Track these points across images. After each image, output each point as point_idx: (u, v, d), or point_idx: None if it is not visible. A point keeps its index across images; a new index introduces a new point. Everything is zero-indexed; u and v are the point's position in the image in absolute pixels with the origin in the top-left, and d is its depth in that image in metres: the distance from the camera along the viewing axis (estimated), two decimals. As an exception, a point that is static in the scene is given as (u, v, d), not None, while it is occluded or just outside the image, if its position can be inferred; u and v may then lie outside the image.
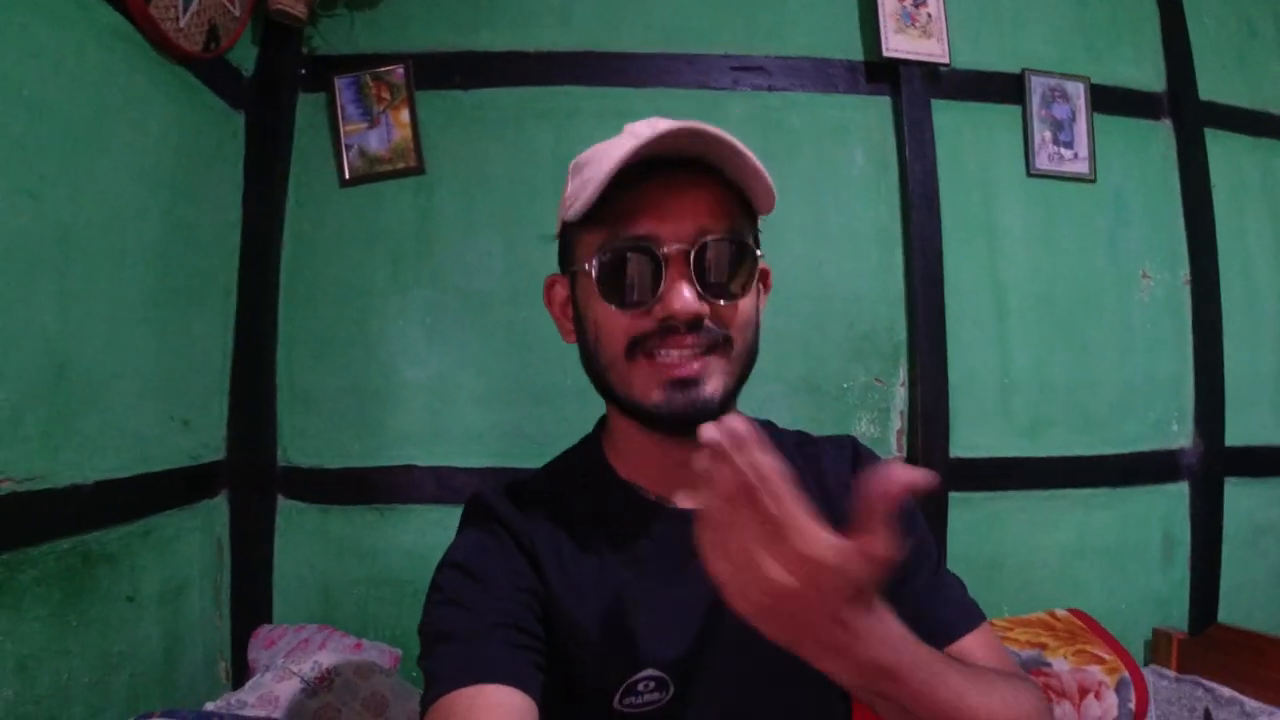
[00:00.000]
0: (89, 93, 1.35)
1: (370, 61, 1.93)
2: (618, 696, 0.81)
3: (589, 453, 0.95)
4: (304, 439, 1.88)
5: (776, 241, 1.92)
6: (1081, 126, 2.02)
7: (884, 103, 2.01)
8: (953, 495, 1.92)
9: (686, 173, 0.79)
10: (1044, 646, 1.71)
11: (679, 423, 0.79)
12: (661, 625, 0.84)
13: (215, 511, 1.77)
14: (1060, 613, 1.84)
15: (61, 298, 1.30)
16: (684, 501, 0.89)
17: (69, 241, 1.31)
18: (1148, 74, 2.11)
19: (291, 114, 1.92)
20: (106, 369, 1.42)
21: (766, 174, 0.79)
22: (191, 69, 1.64)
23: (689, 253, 0.77)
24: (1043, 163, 2.01)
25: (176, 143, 1.61)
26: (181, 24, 1.53)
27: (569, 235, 0.88)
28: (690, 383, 0.78)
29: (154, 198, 1.55)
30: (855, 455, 1.02)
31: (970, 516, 1.93)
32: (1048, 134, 2.01)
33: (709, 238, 0.78)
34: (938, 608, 0.93)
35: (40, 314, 1.25)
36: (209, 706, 1.42)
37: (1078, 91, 2.02)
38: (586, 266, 0.81)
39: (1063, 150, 2.01)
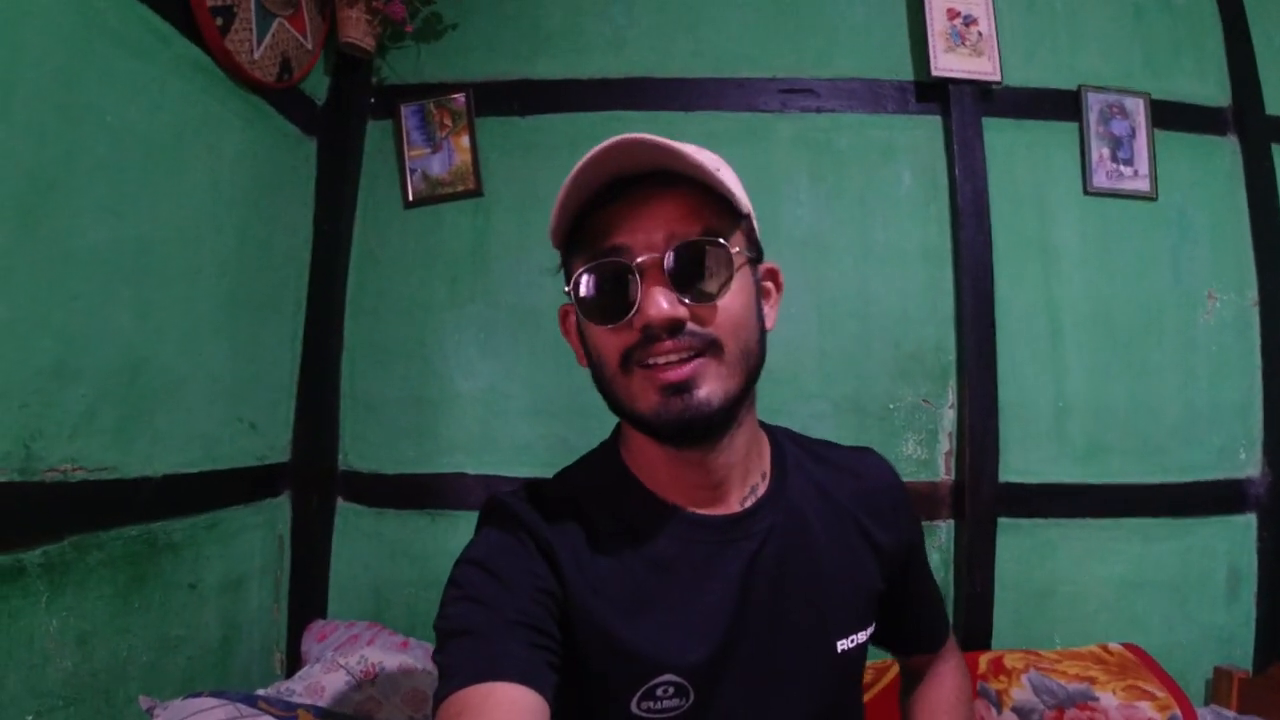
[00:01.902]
0: (168, 119, 1.48)
1: (434, 90, 2.04)
2: (635, 701, 0.83)
3: (608, 459, 0.96)
4: (363, 445, 1.98)
5: (824, 260, 1.97)
6: (1141, 143, 1.97)
7: (934, 122, 2.01)
8: (1002, 520, 1.87)
9: (657, 183, 0.79)
10: (1093, 680, 1.65)
11: (676, 429, 0.80)
12: (682, 631, 0.85)
13: (278, 510, 1.89)
14: (1114, 646, 1.76)
15: (139, 305, 1.41)
16: (704, 509, 0.89)
17: (148, 254, 1.43)
18: (1211, 88, 2.04)
19: (360, 139, 2.05)
20: (180, 372, 1.53)
21: (715, 174, 0.79)
22: (266, 97, 1.77)
23: (661, 259, 0.78)
24: (1100, 180, 1.96)
25: (251, 166, 1.74)
26: (256, 56, 1.66)
27: (564, 263, 0.89)
28: (681, 387, 0.78)
29: (229, 216, 1.68)
30: (890, 467, 1.08)
31: (1020, 543, 1.88)
32: (1106, 151, 1.96)
33: (680, 241, 0.78)
34: (935, 618, 1.13)
35: (119, 319, 1.37)
36: (260, 693, 1.51)
37: (1137, 107, 1.97)
38: (567, 290, 0.84)
39: (1122, 167, 1.96)
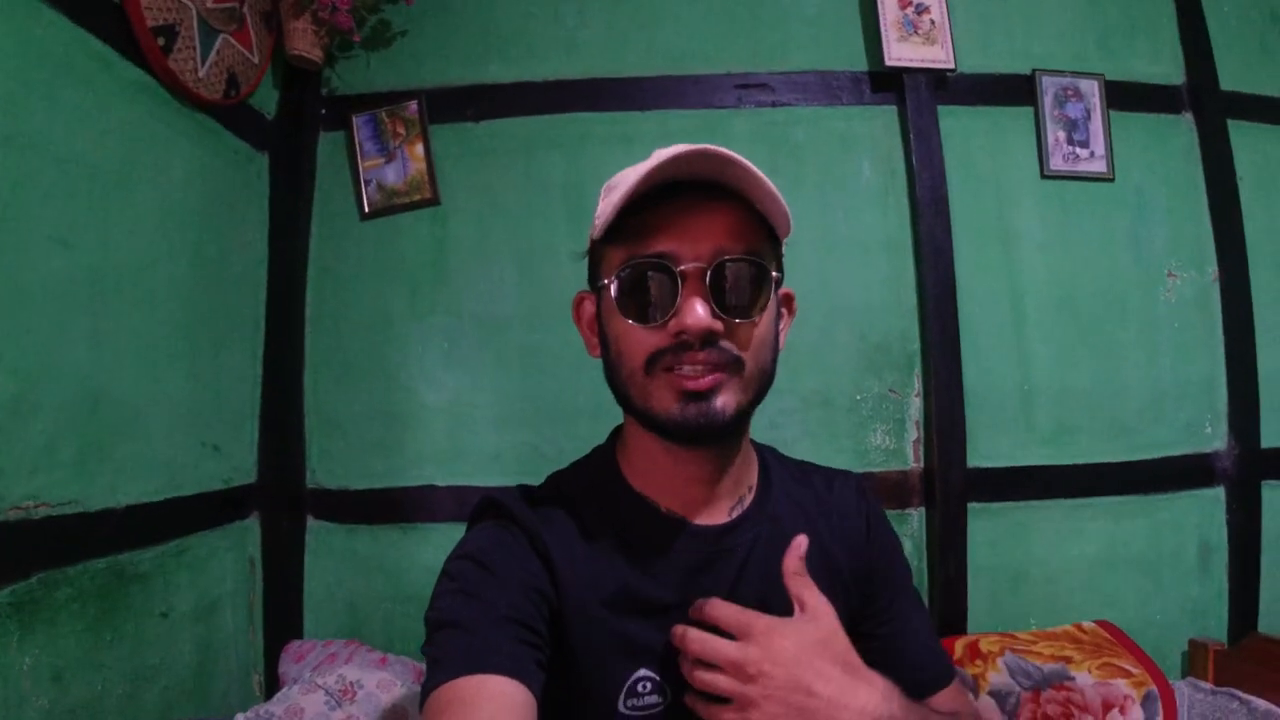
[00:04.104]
0: (114, 143, 1.45)
1: (385, 99, 2.01)
2: (621, 698, 0.85)
3: (602, 464, 0.99)
4: (331, 461, 1.96)
5: (786, 255, 1.94)
6: (1097, 125, 1.97)
7: (890, 112, 2.00)
8: (972, 505, 1.88)
9: (707, 195, 0.82)
10: (1068, 660, 1.67)
11: (692, 433, 0.83)
12: (665, 631, 0.86)
13: (247, 532, 1.87)
14: (1088, 625, 1.78)
15: (94, 335, 1.39)
16: (695, 517, 0.92)
17: (100, 283, 1.41)
18: (1166, 67, 2.05)
19: (313, 152, 2.02)
20: (139, 400, 1.51)
21: (780, 196, 0.82)
22: (214, 115, 1.74)
23: (705, 271, 0.81)
24: (1058, 164, 1.96)
25: (202, 185, 1.71)
26: (201, 74, 1.63)
27: (596, 253, 0.91)
28: (702, 395, 0.81)
29: (182, 238, 1.65)
30: (861, 492, 1.08)
31: (992, 527, 1.89)
32: (1062, 134, 1.97)
33: (726, 257, 0.81)
34: (924, 658, 1.02)
35: (74, 351, 1.35)
36: (239, 717, 1.50)
37: (1092, 89, 1.98)
38: (607, 282, 0.86)
39: (1078, 150, 1.97)
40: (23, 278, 1.24)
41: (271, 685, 1.82)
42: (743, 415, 0.85)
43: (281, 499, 1.91)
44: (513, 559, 0.86)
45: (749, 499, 0.96)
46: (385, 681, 1.60)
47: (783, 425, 1.91)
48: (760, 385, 0.87)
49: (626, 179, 0.82)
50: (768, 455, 1.04)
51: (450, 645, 0.77)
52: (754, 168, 0.79)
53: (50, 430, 1.29)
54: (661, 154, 0.79)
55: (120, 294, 1.46)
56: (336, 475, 1.95)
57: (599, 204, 0.88)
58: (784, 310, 0.97)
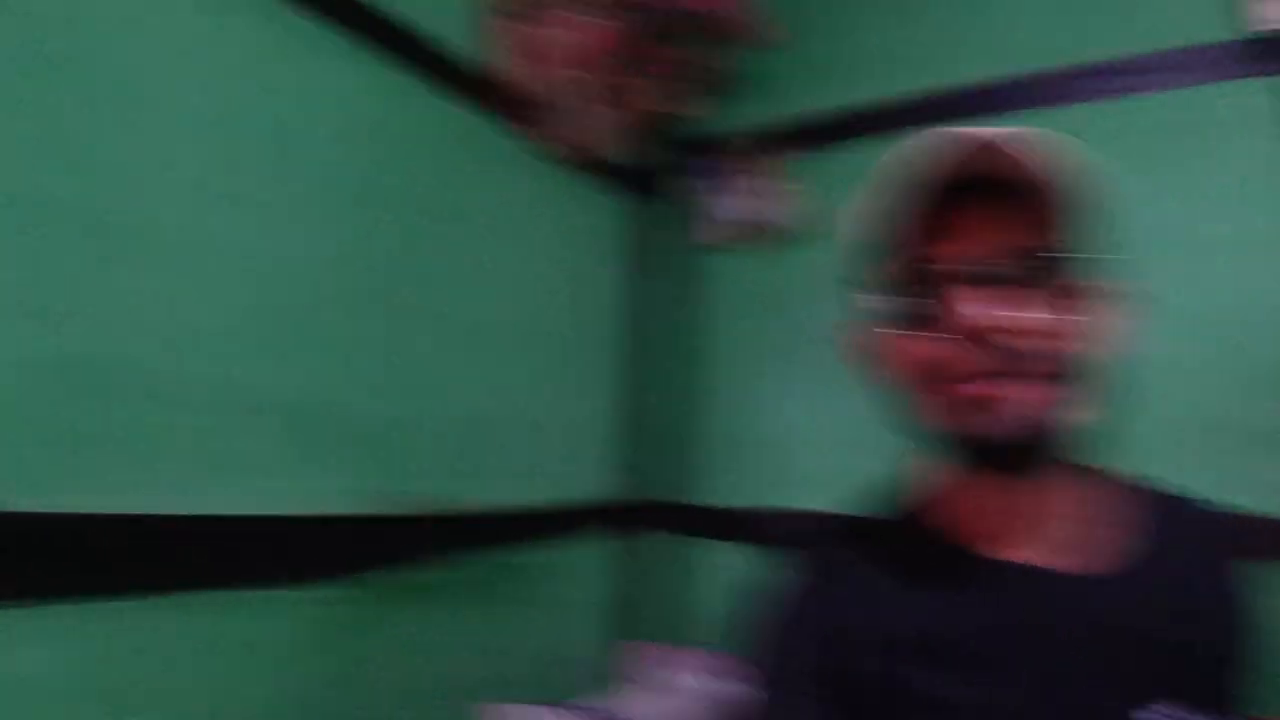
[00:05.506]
0: (496, 202, 1.80)
1: (735, 139, 2.18)
2: None
3: (905, 498, 0.89)
4: (679, 480, 2.16)
5: (1153, 259, 1.70)
6: None
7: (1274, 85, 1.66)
8: None
9: (995, 186, 0.72)
10: None
11: (979, 448, 0.73)
12: (985, 682, 0.74)
13: (604, 541, 2.09)
14: None
15: (478, 368, 1.72)
16: (1006, 553, 0.79)
17: (483, 320, 1.74)
18: None
19: (667, 196, 2.27)
20: (522, 421, 1.83)
21: (1076, 182, 0.71)
22: (581, 171, 2.03)
23: (995, 268, 0.72)
24: None
25: (569, 234, 2.04)
26: (567, 137, 1.92)
27: (869, 263, 0.82)
28: (987, 403, 0.71)
29: (549, 279, 1.97)
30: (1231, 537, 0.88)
31: None
32: None
33: (1019, 251, 0.72)
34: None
35: (462, 384, 1.68)
36: (585, 705, 1.69)
37: None
38: (886, 295, 0.78)
39: None
40: (430, 325, 1.60)
41: (616, 684, 1.96)
42: (1055, 425, 0.72)
43: (634, 512, 2.14)
44: (811, 608, 0.83)
45: (1103, 538, 0.79)
46: (720, 690, 1.67)
47: (1159, 454, 1.64)
48: (1080, 391, 0.73)
49: (908, 179, 0.73)
50: (1137, 486, 0.87)
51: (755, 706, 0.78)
52: (1031, 156, 0.69)
53: (444, 446, 1.61)
54: (937, 148, 0.71)
55: (499, 329, 1.79)
56: (684, 492, 2.14)
57: (863, 205, 0.79)
58: (1117, 307, 0.80)
